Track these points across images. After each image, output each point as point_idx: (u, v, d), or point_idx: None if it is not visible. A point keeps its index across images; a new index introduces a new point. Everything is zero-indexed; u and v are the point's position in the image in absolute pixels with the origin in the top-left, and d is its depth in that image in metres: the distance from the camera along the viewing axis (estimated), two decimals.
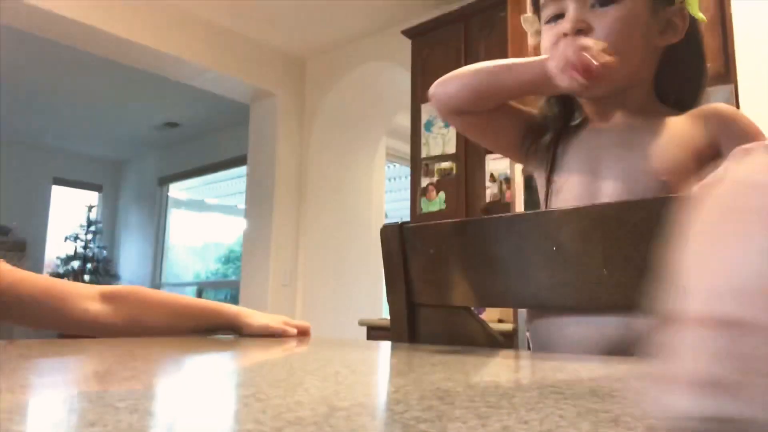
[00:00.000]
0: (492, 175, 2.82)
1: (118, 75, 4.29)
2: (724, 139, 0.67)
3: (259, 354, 0.50)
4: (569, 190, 0.71)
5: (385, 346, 0.64)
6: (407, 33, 3.22)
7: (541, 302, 0.62)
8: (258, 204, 3.82)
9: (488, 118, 0.78)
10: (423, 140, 3.17)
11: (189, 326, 0.76)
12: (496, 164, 2.81)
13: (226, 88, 3.83)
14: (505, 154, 0.89)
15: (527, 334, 0.72)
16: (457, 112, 0.79)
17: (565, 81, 0.66)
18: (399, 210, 5.14)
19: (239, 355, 0.50)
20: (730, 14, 1.85)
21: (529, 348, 0.84)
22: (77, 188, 6.57)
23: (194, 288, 6.15)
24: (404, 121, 3.91)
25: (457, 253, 0.65)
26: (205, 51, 3.46)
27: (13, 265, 0.71)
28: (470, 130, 0.83)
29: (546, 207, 0.73)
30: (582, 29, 0.70)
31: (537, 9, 0.80)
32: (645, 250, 0.51)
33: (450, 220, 0.66)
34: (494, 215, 0.62)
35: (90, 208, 6.53)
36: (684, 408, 0.18)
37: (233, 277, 5.95)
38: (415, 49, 3.22)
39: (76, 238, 6.32)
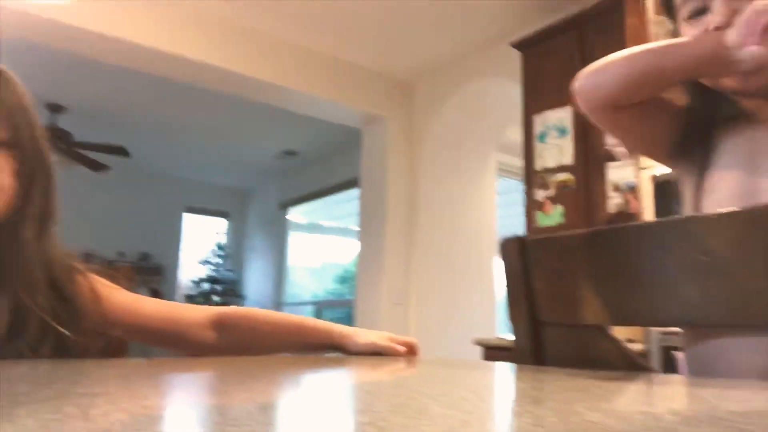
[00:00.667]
0: (615, 185, 2.64)
1: (239, 109, 4.61)
2: None
3: (374, 374, 0.48)
4: (724, 189, 0.63)
5: (508, 368, 0.59)
6: (517, 45, 3.14)
7: (689, 320, 0.54)
8: (370, 225, 3.88)
9: (640, 112, 0.72)
10: (536, 152, 3.05)
11: (298, 346, 0.77)
12: (619, 172, 2.63)
13: (338, 115, 3.97)
14: (651, 153, 0.79)
15: (679, 355, 0.64)
16: (608, 106, 0.72)
17: (747, 53, 0.59)
18: (510, 226, 4.98)
19: (353, 375, 0.48)
20: None
21: (671, 371, 0.74)
22: (207, 215, 7.11)
23: (312, 307, 6.37)
24: (515, 134, 3.81)
25: (587, 266, 0.59)
26: (317, 81, 3.61)
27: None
28: (618, 126, 0.76)
29: (695, 210, 0.65)
30: (732, 22, 0.63)
31: (668, 8, 0.73)
32: None
33: (578, 231, 0.60)
34: (630, 223, 0.56)
35: (219, 233, 7.03)
36: None
37: (349, 297, 6.09)
38: (526, 61, 3.13)
39: (207, 262, 6.81)
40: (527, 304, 0.61)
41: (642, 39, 2.36)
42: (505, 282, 0.65)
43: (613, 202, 2.63)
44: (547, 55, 3.03)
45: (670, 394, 0.39)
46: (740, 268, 0.50)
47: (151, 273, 6.21)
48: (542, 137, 3.04)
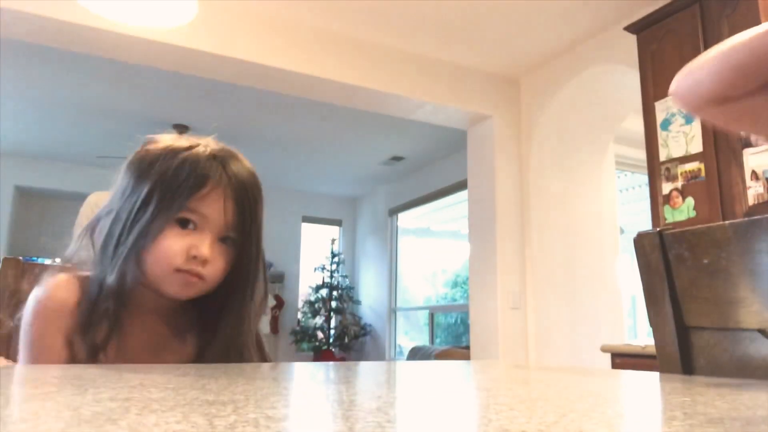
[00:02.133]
0: (754, 173, 2.37)
1: (346, 119, 4.74)
2: None
3: (509, 382, 0.45)
4: None
5: (654, 378, 0.53)
6: (631, 28, 2.94)
7: None
8: (481, 227, 3.80)
9: (752, 101, 0.63)
10: (660, 141, 2.83)
11: None
12: (758, 159, 2.37)
13: (443, 117, 3.94)
14: None
15: None
16: (711, 104, 0.64)
17: None
18: (634, 224, 4.67)
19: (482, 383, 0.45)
20: None
21: None
22: (321, 224, 7.37)
23: (426, 312, 6.37)
24: (634, 125, 3.57)
25: (741, 262, 0.51)
26: (420, 85, 3.62)
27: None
28: (738, 120, 0.67)
29: None
30: None
31: None
32: None
33: (728, 222, 0.53)
34: None
35: (333, 241, 7.26)
36: None
37: (462, 301, 6.02)
38: (642, 45, 2.91)
39: (323, 268, 7.06)
40: (671, 306, 0.55)
41: None
42: (642, 282, 0.59)
43: (753, 192, 2.37)
44: (666, 36, 2.80)
45: None
46: None
47: (274, 281, 6.55)
48: (666, 125, 2.81)
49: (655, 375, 0.55)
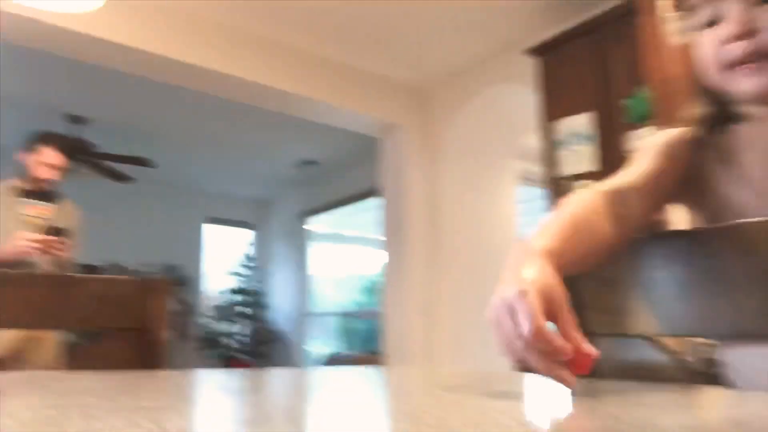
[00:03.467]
0: None
1: (258, 119, 4.65)
2: None
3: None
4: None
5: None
6: (532, 51, 3.14)
7: (748, 332, 0.54)
8: (394, 235, 3.89)
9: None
10: (558, 159, 3.04)
11: None
12: None
13: (356, 123, 3.99)
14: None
15: (723, 367, 0.63)
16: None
17: None
18: None
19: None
20: None
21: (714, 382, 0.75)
22: (230, 226, 7.18)
23: (338, 318, 6.38)
24: (535, 141, 3.80)
25: (634, 275, 0.59)
26: (332, 89, 3.64)
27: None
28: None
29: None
30: (749, 32, 0.62)
31: (681, 9, 0.73)
32: None
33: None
34: (678, 229, 0.56)
35: (246, 244, 7.09)
36: None
37: (375, 308, 6.08)
38: (542, 67, 3.13)
39: (236, 273, 6.87)
40: (576, 315, 0.61)
41: (656, 43, 2.35)
42: None
43: None
44: (564, 61, 3.03)
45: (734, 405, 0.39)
46: None
47: (178, 284, 6.29)
48: (563, 144, 3.03)
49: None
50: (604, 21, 2.82)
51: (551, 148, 3.07)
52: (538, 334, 0.41)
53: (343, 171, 5.99)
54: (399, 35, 3.43)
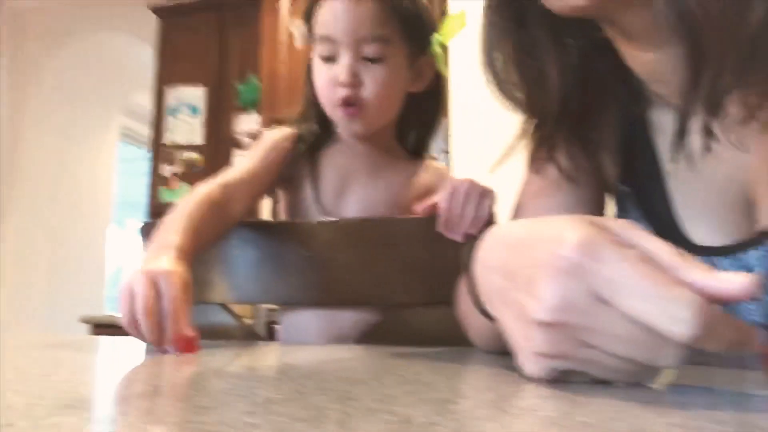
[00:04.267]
0: None
1: None
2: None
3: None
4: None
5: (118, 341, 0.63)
6: (156, 11, 3.03)
7: (296, 300, 0.71)
8: None
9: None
10: (166, 125, 3.01)
11: None
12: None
13: None
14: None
15: (278, 327, 0.80)
16: None
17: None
18: (132, 196, 4.75)
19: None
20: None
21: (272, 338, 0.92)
22: None
23: None
24: (145, 101, 3.65)
25: (217, 254, 0.69)
26: None
27: None
28: None
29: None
30: (354, 83, 0.73)
31: (308, 21, 0.79)
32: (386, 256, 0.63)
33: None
34: (254, 220, 0.69)
35: None
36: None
37: None
38: (164, 30, 3.05)
39: None
40: None
41: (277, 39, 2.60)
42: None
43: None
44: (186, 30, 3.03)
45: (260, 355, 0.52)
46: (331, 263, 0.68)
47: None
48: (174, 111, 3.02)
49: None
50: (227, 4, 2.93)
51: (161, 113, 3.02)
52: (148, 315, 0.49)
53: None
54: None
